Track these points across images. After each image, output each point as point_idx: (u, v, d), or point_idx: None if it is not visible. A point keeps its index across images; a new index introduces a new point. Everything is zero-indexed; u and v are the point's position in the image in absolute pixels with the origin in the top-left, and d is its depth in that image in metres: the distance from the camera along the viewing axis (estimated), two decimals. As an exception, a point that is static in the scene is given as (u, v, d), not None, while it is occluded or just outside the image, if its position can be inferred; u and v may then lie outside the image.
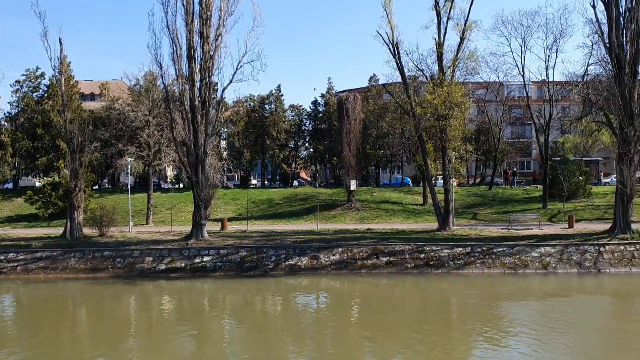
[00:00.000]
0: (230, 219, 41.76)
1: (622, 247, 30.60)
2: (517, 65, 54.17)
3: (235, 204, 47.43)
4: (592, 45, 40.20)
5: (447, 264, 30.06)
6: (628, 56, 31.90)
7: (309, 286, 28.44)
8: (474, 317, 21.98)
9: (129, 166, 41.63)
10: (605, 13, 32.48)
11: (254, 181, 72.87)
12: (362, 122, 50.70)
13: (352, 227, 38.92)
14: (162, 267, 30.64)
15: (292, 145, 66.93)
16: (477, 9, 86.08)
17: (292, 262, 30.52)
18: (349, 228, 38.08)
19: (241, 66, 33.41)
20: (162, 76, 34.75)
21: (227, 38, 44.73)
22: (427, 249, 31.02)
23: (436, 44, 35.56)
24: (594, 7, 33.07)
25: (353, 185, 45.67)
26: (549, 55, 46.24)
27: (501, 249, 30.78)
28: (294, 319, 22.68)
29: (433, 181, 38.77)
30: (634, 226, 33.07)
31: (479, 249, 30.93)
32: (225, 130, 62.23)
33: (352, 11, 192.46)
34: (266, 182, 68.08)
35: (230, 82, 33.77)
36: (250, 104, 63.00)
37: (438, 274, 29.36)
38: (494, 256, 30.33)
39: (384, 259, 30.46)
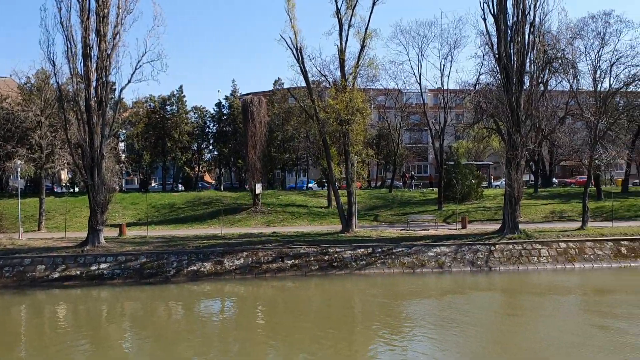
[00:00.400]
0: (129, 225, 40.20)
1: (510, 246, 32.69)
2: (414, 74, 56.72)
3: (135, 209, 45.73)
4: (483, 56, 43.00)
5: (350, 264, 30.73)
6: (515, 67, 34.11)
7: (213, 292, 27.99)
8: (376, 317, 22.68)
9: (19, 169, 38.93)
10: (495, 26, 34.63)
11: (154, 184, 70.74)
12: (268, 126, 50.72)
13: (257, 230, 38.77)
14: (56, 275, 28.95)
15: (195, 148, 65.61)
16: (377, 18, 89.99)
17: (195, 268, 29.90)
18: (254, 232, 37.90)
19: (140, 66, 32.52)
20: (55, 74, 32.95)
21: (126, 37, 43.09)
22: (331, 250, 31.55)
23: (338, 51, 36.33)
24: (484, 19, 35.13)
25: (258, 188, 45.50)
26: (444, 65, 48.67)
27: (400, 249, 31.95)
28: (197, 325, 22.24)
29: (337, 184, 39.53)
30: (521, 226, 35.36)
31: (379, 250, 31.90)
32: (124, 131, 59.95)
33: (256, 14, 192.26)
34: (168, 186, 66.22)
35: (129, 82, 32.72)
36: (150, 105, 61.11)
37: (341, 275, 29.94)
38: (393, 256, 31.41)
39: (289, 261, 30.63)
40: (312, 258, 30.91)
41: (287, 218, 43.58)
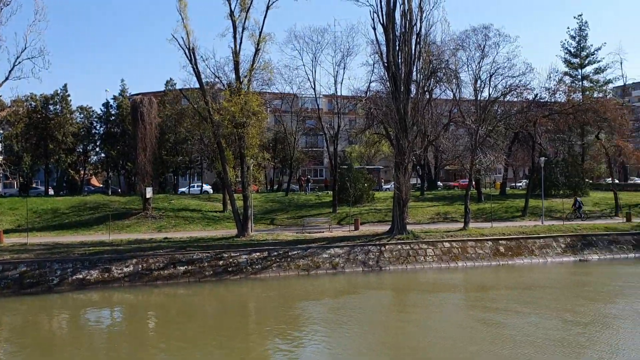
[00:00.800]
0: (7, 231, 37.32)
1: (399, 247, 34.11)
2: (309, 79, 57.59)
3: (14, 214, 42.53)
4: (374, 64, 44.41)
5: (245, 269, 30.59)
6: (403, 75, 35.71)
7: (101, 301, 26.73)
8: (271, 320, 22.80)
9: None
10: (384, 35, 36.04)
11: (35, 187, 66.43)
12: (159, 127, 49.20)
13: (148, 236, 37.47)
14: None
15: (81, 150, 62.30)
16: (271, 23, 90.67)
17: (81, 276, 28.39)
18: (144, 238, 36.60)
19: (20, 62, 30.67)
20: None
21: (3, 31, 40.24)
22: (226, 255, 31.23)
23: (233, 53, 36.05)
24: (374, 29, 36.52)
25: (149, 192, 43.95)
26: (337, 71, 49.52)
27: (296, 252, 32.31)
28: (84, 337, 21.15)
29: (233, 188, 39.16)
30: (409, 227, 37.03)
31: (275, 253, 32.05)
32: (1, 132, 55.76)
33: (146, 12, 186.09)
34: (51, 190, 62.24)
35: (7, 79, 30.71)
36: (31, 104, 57.27)
37: (237, 280, 29.74)
38: (289, 259, 31.70)
39: (182, 268, 29.94)
40: (206, 263, 30.43)
41: (180, 223, 42.53)
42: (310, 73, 60.67)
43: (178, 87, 58.08)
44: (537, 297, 26.02)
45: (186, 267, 30.01)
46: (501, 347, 18.28)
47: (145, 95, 51.20)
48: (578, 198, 46.70)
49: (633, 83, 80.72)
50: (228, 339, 20.01)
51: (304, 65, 60.41)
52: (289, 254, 32.11)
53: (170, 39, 34.86)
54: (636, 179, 79.12)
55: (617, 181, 57.68)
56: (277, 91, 55.25)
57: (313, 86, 49.63)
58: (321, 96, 53.13)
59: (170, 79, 63.95)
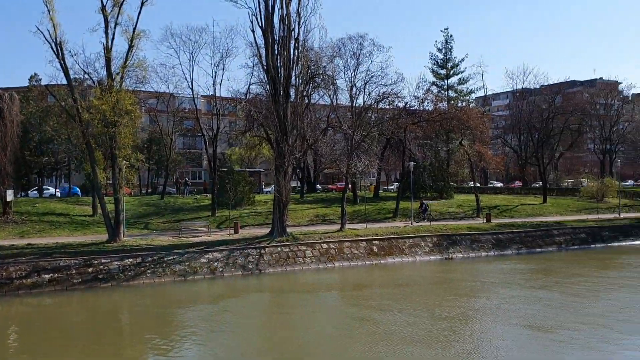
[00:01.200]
0: None
1: (279, 249, 34.36)
2: (186, 79, 56.03)
3: None
4: (253, 67, 44.32)
5: (117, 276, 29.23)
6: (282, 79, 36.11)
7: (-50, 315, 24.28)
8: (144, 328, 22.08)
9: None
10: (263, 39, 36.19)
11: None
12: (22, 125, 45.51)
13: (8, 243, 34.49)
14: None
15: None
16: (147, 20, 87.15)
17: None
18: (4, 244, 33.65)
19: None
20: None
21: None
22: (96, 262, 29.64)
23: (104, 49, 34.45)
24: (253, 32, 36.59)
25: (10, 195, 40.53)
26: (216, 72, 48.71)
27: (172, 257, 31.38)
28: None
29: (104, 190, 37.25)
30: (288, 229, 37.42)
31: (149, 259, 30.91)
32: None
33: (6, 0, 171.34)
34: None
35: None
36: None
37: (108, 287, 28.35)
38: (164, 265, 30.72)
39: (47, 276, 27.99)
40: (74, 271, 28.68)
41: (46, 228, 39.62)
42: (187, 72, 58.60)
43: (44, 82, 54.24)
44: (408, 294, 27.50)
45: (52, 275, 28.12)
46: (375, 343, 19.10)
47: (6, 90, 47.11)
48: (425, 201, 49.50)
49: (492, 94, 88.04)
50: (97, 352, 19.03)
51: (180, 64, 58.22)
52: (165, 259, 31.12)
53: (34, 32, 32.68)
54: (495, 182, 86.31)
55: (478, 185, 62.35)
56: (152, 90, 53.39)
57: (191, 86, 48.29)
58: (199, 97, 52.08)
59: (35, 74, 59.63)
